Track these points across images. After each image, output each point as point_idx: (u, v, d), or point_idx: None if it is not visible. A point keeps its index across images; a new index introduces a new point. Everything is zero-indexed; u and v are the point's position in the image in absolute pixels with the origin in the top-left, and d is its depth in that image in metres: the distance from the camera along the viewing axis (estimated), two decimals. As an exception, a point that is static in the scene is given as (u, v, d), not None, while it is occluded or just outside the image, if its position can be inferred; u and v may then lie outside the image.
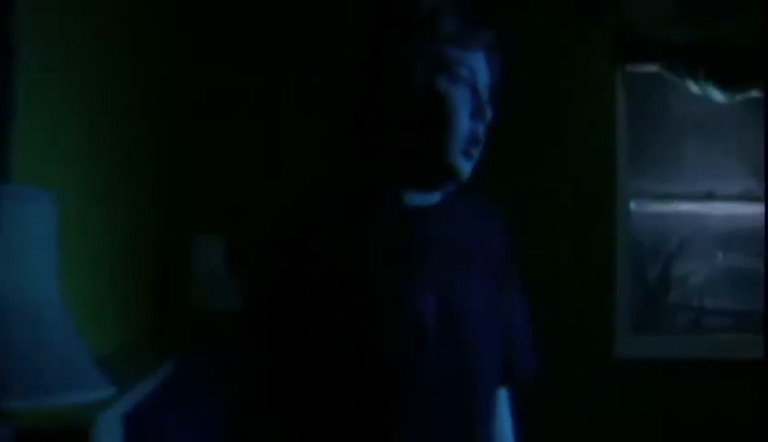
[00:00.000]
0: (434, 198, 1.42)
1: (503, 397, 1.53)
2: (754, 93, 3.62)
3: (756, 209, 3.69)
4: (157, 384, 2.07)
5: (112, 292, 2.50)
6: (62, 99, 2.02)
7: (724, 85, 3.57)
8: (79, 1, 2.16)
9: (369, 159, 1.40)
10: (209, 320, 3.06)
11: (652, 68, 3.65)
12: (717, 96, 3.60)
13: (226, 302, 3.09)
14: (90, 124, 2.25)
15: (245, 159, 3.49)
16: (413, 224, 1.38)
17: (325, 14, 3.55)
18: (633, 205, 3.72)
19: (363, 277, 1.33)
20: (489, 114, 1.37)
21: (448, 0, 1.36)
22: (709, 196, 3.78)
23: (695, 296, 3.83)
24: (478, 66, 1.37)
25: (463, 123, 1.35)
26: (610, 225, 3.61)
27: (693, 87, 3.62)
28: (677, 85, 3.66)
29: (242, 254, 3.31)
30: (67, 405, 1.25)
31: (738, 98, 3.62)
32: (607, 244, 3.59)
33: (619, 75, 3.68)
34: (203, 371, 2.60)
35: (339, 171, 1.45)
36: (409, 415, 1.32)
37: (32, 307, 1.22)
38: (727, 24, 3.58)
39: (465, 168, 1.36)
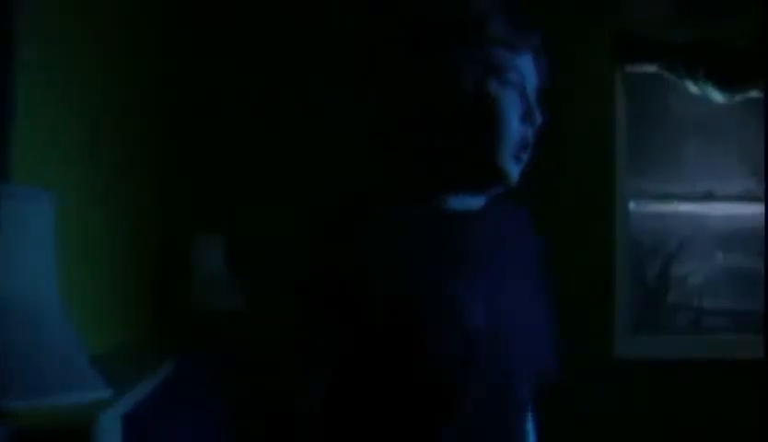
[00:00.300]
0: (477, 203, 1.41)
1: None
2: (754, 93, 3.62)
3: (756, 209, 3.69)
4: (156, 384, 2.07)
5: (112, 292, 2.50)
6: (62, 99, 2.03)
7: (723, 85, 3.57)
8: (79, 1, 2.16)
9: (414, 162, 1.37)
10: (209, 320, 3.06)
11: (651, 68, 3.65)
12: (717, 96, 3.61)
13: (226, 302, 3.09)
14: (90, 124, 2.25)
15: (245, 159, 3.49)
16: (459, 229, 1.37)
17: (327, 14, 3.55)
18: (632, 205, 3.72)
19: (415, 282, 1.29)
20: (539, 118, 1.36)
21: (496, 2, 1.36)
22: (709, 196, 3.78)
23: (695, 297, 3.83)
24: (526, 69, 1.37)
25: (513, 127, 1.34)
26: (609, 225, 3.61)
27: (693, 88, 3.62)
28: (676, 85, 3.67)
29: (242, 254, 3.31)
30: (67, 405, 1.25)
31: (738, 98, 3.62)
32: (606, 244, 3.59)
33: (618, 75, 3.68)
34: (203, 371, 2.60)
35: (378, 173, 1.42)
36: (458, 421, 1.30)
37: (32, 307, 1.22)
38: (727, 24, 3.58)
39: (514, 171, 1.36)
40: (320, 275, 1.29)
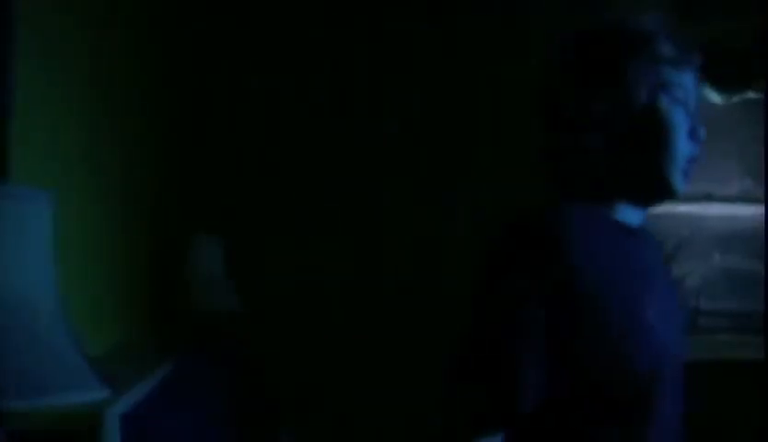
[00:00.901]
0: (639, 217, 1.44)
1: None
2: (751, 94, 3.62)
3: (754, 210, 3.69)
4: (156, 384, 2.07)
5: (112, 292, 2.50)
6: (62, 99, 2.03)
7: (720, 86, 3.57)
8: (79, 1, 2.17)
9: (588, 172, 1.39)
10: (209, 320, 3.06)
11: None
12: (714, 97, 3.61)
13: (225, 302, 3.10)
14: (90, 124, 2.25)
15: (245, 160, 3.50)
16: (633, 241, 1.39)
17: (326, 14, 3.55)
18: (632, 206, 3.72)
19: (608, 294, 1.28)
20: (702, 135, 1.41)
21: (663, 21, 1.42)
22: (707, 197, 3.78)
23: (692, 297, 3.83)
24: (690, 87, 1.41)
25: (682, 143, 1.38)
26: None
27: (691, 88, 3.62)
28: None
29: (241, 255, 3.32)
30: (66, 406, 1.26)
31: (736, 99, 3.62)
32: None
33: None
34: (203, 371, 2.61)
35: (539, 183, 1.43)
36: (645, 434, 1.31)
37: (30, 307, 1.23)
38: (727, 24, 3.58)
39: (681, 186, 1.39)
40: (531, 272, 1.26)
